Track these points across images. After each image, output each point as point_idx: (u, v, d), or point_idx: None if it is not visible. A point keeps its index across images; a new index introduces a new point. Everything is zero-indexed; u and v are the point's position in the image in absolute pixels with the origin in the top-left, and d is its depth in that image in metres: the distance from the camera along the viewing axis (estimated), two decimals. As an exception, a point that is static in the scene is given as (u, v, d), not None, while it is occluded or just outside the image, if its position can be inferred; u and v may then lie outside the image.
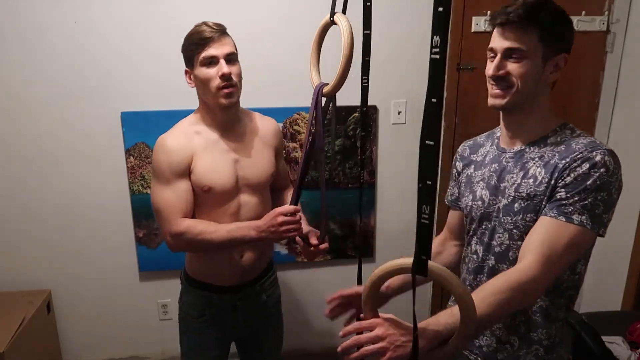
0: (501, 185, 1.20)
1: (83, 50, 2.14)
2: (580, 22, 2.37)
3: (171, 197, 1.49)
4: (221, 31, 1.46)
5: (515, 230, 1.16)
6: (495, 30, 1.14)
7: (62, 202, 2.30)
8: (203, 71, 1.44)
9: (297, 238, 1.51)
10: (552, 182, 1.08)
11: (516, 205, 1.14)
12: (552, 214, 1.05)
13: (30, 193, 2.27)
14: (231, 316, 1.68)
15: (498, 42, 1.12)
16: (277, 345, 1.88)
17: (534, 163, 1.13)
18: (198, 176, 1.49)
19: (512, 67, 1.10)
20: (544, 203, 1.09)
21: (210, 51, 1.42)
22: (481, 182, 1.27)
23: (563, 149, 1.10)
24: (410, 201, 2.21)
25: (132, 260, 2.39)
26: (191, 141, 1.50)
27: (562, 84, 2.57)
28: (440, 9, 0.64)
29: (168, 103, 2.24)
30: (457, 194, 1.41)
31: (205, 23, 1.46)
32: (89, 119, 2.22)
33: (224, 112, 1.50)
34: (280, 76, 2.28)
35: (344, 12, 1.14)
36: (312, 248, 1.50)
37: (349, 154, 2.41)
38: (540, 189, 1.10)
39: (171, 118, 2.23)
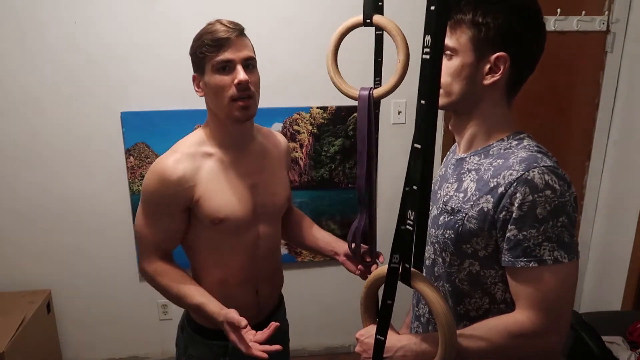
0: (438, 192, 1.11)
1: (83, 50, 2.14)
2: (580, 22, 2.36)
3: (153, 231, 1.29)
4: (239, 31, 1.24)
5: (437, 245, 1.07)
6: None
7: (62, 202, 2.30)
8: (216, 78, 1.21)
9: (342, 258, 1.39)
10: (482, 203, 0.96)
11: (441, 218, 1.05)
12: (522, 263, 0.91)
13: (30, 193, 2.27)
14: None
15: None
16: None
17: (469, 176, 1.03)
18: (208, 207, 1.26)
19: (443, 65, 1.00)
20: (465, 222, 0.99)
21: (226, 55, 1.19)
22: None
23: (500, 163, 0.97)
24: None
25: (132, 260, 2.39)
26: (200, 167, 1.26)
27: (562, 84, 2.59)
28: (432, 7, 0.62)
29: (168, 103, 2.24)
30: None
31: (219, 21, 1.24)
32: (89, 119, 2.22)
33: (238, 127, 1.29)
34: (280, 76, 2.27)
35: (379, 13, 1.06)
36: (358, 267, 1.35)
37: (348, 154, 2.41)
38: (466, 206, 0.99)
39: (171, 118, 2.25)
